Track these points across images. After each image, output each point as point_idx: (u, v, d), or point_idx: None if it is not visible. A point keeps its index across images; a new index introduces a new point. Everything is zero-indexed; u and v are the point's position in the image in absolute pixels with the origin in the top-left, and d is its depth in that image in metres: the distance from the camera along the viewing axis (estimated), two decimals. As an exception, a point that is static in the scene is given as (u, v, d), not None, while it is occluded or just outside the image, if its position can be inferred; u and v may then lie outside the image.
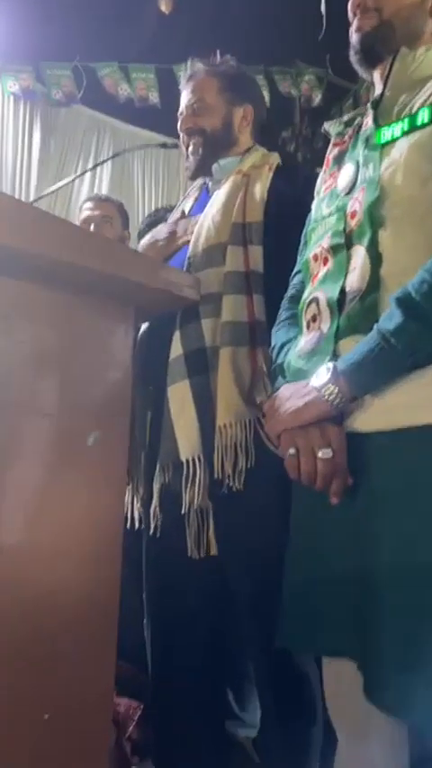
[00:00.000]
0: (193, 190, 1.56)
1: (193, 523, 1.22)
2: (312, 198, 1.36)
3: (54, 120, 4.04)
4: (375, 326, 0.83)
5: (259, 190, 1.33)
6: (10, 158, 3.82)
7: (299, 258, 1.12)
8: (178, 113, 1.50)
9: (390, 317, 0.82)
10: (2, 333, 0.98)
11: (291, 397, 0.91)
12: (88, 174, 3.97)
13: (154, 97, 4.06)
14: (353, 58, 1.03)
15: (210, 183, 1.49)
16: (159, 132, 4.43)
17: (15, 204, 0.99)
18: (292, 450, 0.89)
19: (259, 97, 1.57)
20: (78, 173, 3.60)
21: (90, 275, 1.06)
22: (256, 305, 1.23)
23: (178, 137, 1.59)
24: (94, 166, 2.17)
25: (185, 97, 1.47)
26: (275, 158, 1.46)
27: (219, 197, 1.36)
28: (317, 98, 5.31)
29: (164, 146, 1.63)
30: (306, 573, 0.92)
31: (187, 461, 1.22)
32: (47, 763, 0.94)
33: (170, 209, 2.96)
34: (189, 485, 1.20)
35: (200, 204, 1.47)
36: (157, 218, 2.69)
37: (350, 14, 1.02)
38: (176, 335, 1.27)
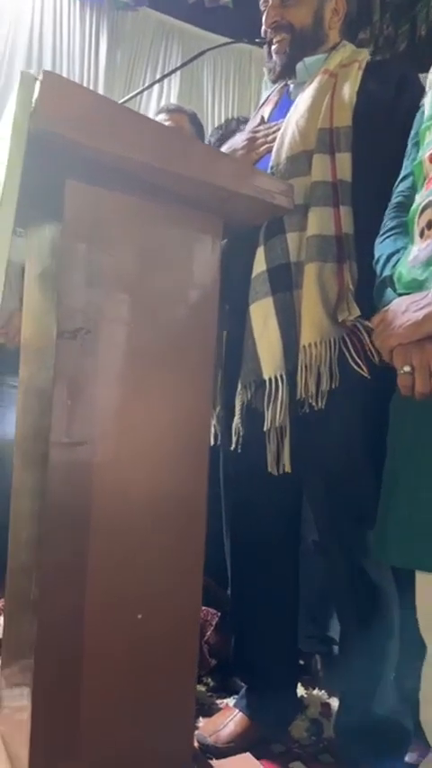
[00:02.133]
0: (273, 94, 1.45)
1: (272, 441, 1.20)
2: (410, 97, 1.23)
3: (121, 27, 3.85)
4: None
5: (348, 91, 1.23)
6: (77, 70, 3.70)
7: (406, 162, 1.03)
8: (261, 4, 1.38)
9: None
10: (90, 243, 0.96)
11: (407, 309, 0.85)
12: (156, 84, 3.80)
13: (226, -3, 3.79)
14: None
15: (291, 86, 1.38)
16: (232, 36, 4.17)
17: (95, 100, 0.92)
18: (407, 368, 0.85)
19: None
20: (147, 83, 3.44)
21: (178, 181, 1.01)
22: (343, 217, 1.16)
23: (253, 39, 1.46)
24: (167, 75, 2.03)
25: None
26: (365, 55, 1.33)
27: (303, 100, 1.26)
28: (400, -9, 4.82)
29: (252, 42, 1.49)
30: (411, 488, 0.89)
31: (270, 380, 1.19)
32: (141, 658, 0.99)
33: (243, 121, 2.80)
34: (270, 403, 1.18)
35: (281, 109, 1.37)
36: (228, 129, 2.54)
37: None
38: (260, 251, 1.22)
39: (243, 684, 1.41)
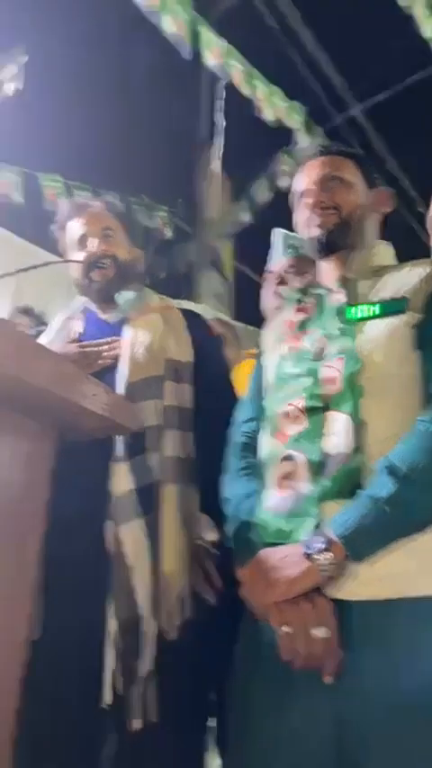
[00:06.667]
0: (75, 312, 1.52)
1: (139, 688, 1.06)
2: (217, 343, 1.49)
3: None
4: (365, 493, 0.84)
5: (183, 333, 1.38)
6: None
7: (249, 405, 1.13)
8: (76, 237, 1.46)
9: (381, 485, 0.83)
10: None
11: (278, 565, 0.85)
12: None
13: (18, 197, 4.00)
14: (312, 247, 1.13)
15: (97, 310, 1.47)
16: (19, 234, 4.34)
17: None
18: (286, 628, 0.82)
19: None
20: None
21: (20, 390, 0.92)
22: (189, 441, 1.23)
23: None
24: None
25: (90, 222, 1.46)
26: (170, 301, 1.52)
27: (143, 330, 1.35)
28: (168, 233, 5.68)
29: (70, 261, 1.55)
30: (268, 753, 0.82)
31: (146, 616, 1.08)
32: None
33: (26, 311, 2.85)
34: (146, 643, 1.07)
35: (96, 327, 1.45)
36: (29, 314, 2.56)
37: (306, 210, 1.12)
38: (124, 467, 1.18)
39: None
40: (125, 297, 1.43)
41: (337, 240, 1.09)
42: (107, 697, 1.06)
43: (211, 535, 1.15)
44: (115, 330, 1.39)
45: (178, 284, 6.49)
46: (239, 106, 4.60)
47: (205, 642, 1.13)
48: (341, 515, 0.84)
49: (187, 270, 6.54)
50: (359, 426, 0.89)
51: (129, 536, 1.13)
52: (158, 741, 1.11)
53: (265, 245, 1.89)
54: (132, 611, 1.09)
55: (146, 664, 1.07)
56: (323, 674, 0.80)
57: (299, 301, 1.13)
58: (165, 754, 1.12)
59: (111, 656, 1.08)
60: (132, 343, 1.32)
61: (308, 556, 0.83)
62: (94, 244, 1.43)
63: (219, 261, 6.81)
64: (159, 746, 1.11)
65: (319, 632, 0.80)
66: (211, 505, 1.18)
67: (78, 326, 1.46)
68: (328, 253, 1.11)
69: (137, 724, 1.06)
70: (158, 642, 1.09)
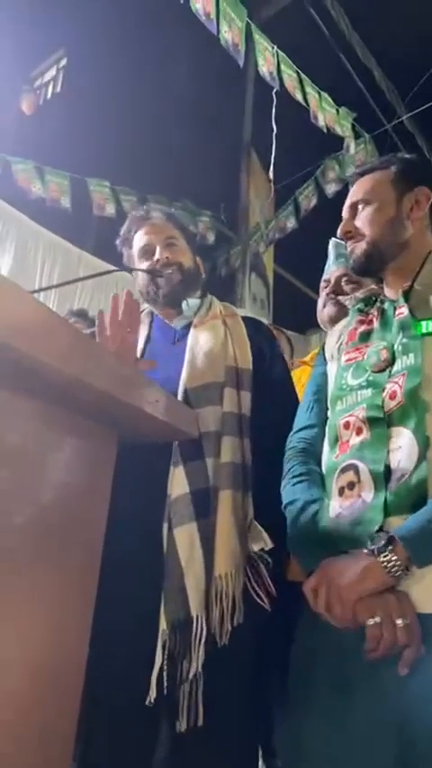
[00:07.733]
0: (142, 316, 1.52)
1: (186, 689, 1.07)
2: (278, 350, 1.47)
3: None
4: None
5: (243, 339, 1.39)
6: None
7: (308, 414, 1.13)
8: (140, 247, 1.50)
9: None
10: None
11: (347, 567, 0.86)
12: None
13: (66, 202, 4.09)
14: (352, 271, 1.16)
15: (161, 317, 1.49)
16: (65, 237, 4.43)
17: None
18: (377, 619, 0.83)
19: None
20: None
21: (85, 392, 0.94)
22: (246, 448, 1.23)
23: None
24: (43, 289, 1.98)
25: (153, 231, 1.49)
26: (234, 309, 1.53)
27: (205, 336, 1.37)
28: (211, 238, 5.72)
29: (127, 270, 1.58)
30: (329, 756, 0.83)
31: (197, 617, 1.09)
32: None
33: (78, 314, 2.90)
34: (194, 646, 1.07)
35: (160, 332, 1.47)
36: (83, 317, 2.61)
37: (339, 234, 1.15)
38: (180, 471, 1.19)
39: None
40: (190, 303, 1.46)
41: (369, 265, 1.11)
42: (152, 695, 1.07)
43: (263, 542, 1.15)
44: (180, 335, 1.41)
45: (220, 289, 6.52)
46: (288, 111, 4.59)
47: (256, 647, 1.14)
48: (406, 522, 0.85)
49: (228, 274, 6.57)
50: (424, 443, 0.88)
51: (183, 538, 1.14)
52: (207, 744, 1.13)
53: (305, 251, 1.88)
54: (184, 613, 1.10)
55: (194, 666, 1.08)
56: (401, 665, 0.81)
57: (361, 311, 1.13)
58: (214, 756, 1.13)
59: (159, 655, 1.09)
60: (193, 348, 1.33)
61: (371, 552, 0.84)
62: (158, 253, 1.46)
63: (261, 266, 6.84)
64: (208, 749, 1.12)
65: (404, 621, 0.82)
66: (264, 512, 1.19)
67: (143, 331, 1.47)
68: (367, 275, 1.15)
69: (183, 725, 1.07)
70: (208, 645, 1.10)
